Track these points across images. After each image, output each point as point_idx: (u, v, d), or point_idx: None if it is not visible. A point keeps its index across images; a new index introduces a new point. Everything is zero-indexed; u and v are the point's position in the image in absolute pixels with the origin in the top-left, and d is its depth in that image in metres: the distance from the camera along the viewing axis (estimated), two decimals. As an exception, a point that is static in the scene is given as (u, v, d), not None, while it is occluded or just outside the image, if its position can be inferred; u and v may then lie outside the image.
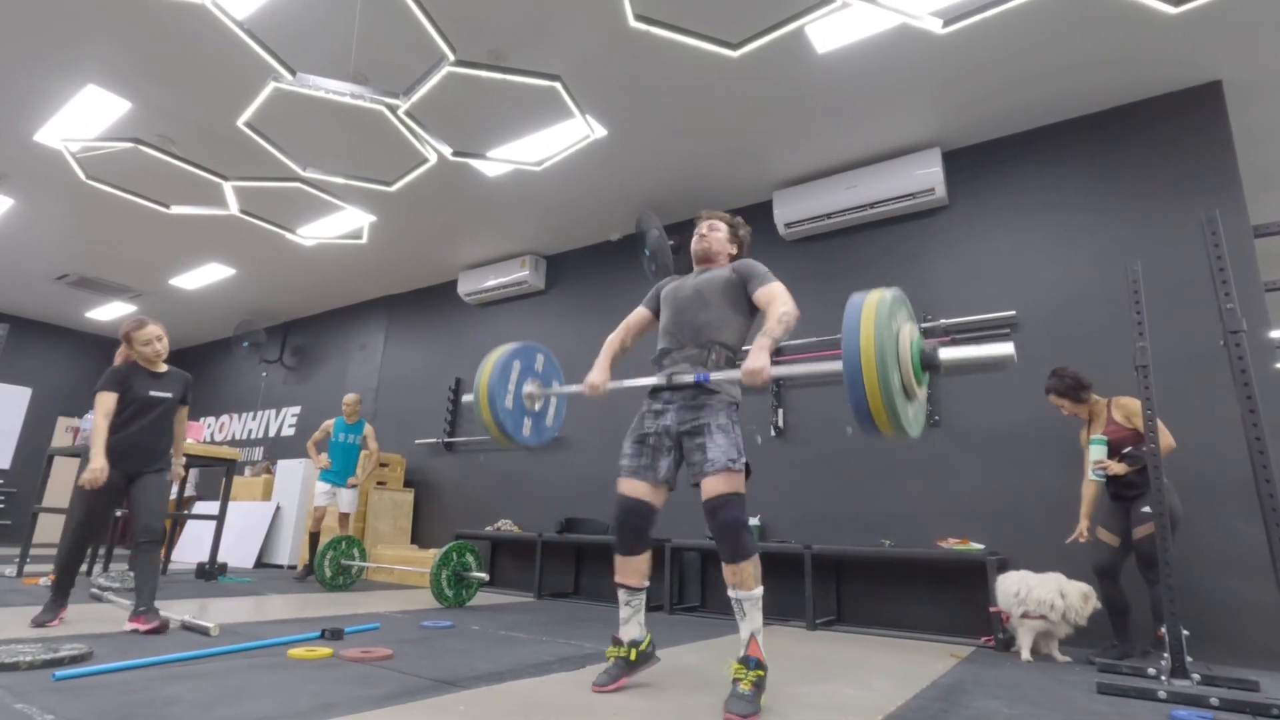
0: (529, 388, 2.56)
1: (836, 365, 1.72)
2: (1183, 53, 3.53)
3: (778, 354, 4.76)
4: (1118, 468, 3.12)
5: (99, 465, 2.86)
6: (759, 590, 2.05)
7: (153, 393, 3.10)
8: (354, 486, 5.52)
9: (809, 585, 3.86)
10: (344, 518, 5.49)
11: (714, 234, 2.47)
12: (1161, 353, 3.17)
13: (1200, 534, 3.22)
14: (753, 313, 2.34)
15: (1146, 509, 3.00)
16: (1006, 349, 1.71)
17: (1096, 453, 3.18)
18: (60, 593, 2.94)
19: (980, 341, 4.05)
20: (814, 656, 3.00)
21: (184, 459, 3.34)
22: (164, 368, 3.21)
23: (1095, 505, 3.26)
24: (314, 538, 5.45)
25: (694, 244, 2.49)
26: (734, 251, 2.51)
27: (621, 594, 2.25)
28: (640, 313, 2.53)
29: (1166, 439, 3.01)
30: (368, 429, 5.69)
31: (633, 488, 2.23)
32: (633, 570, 2.23)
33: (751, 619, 2.03)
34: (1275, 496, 2.22)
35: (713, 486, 2.08)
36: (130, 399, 3.05)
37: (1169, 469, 2.92)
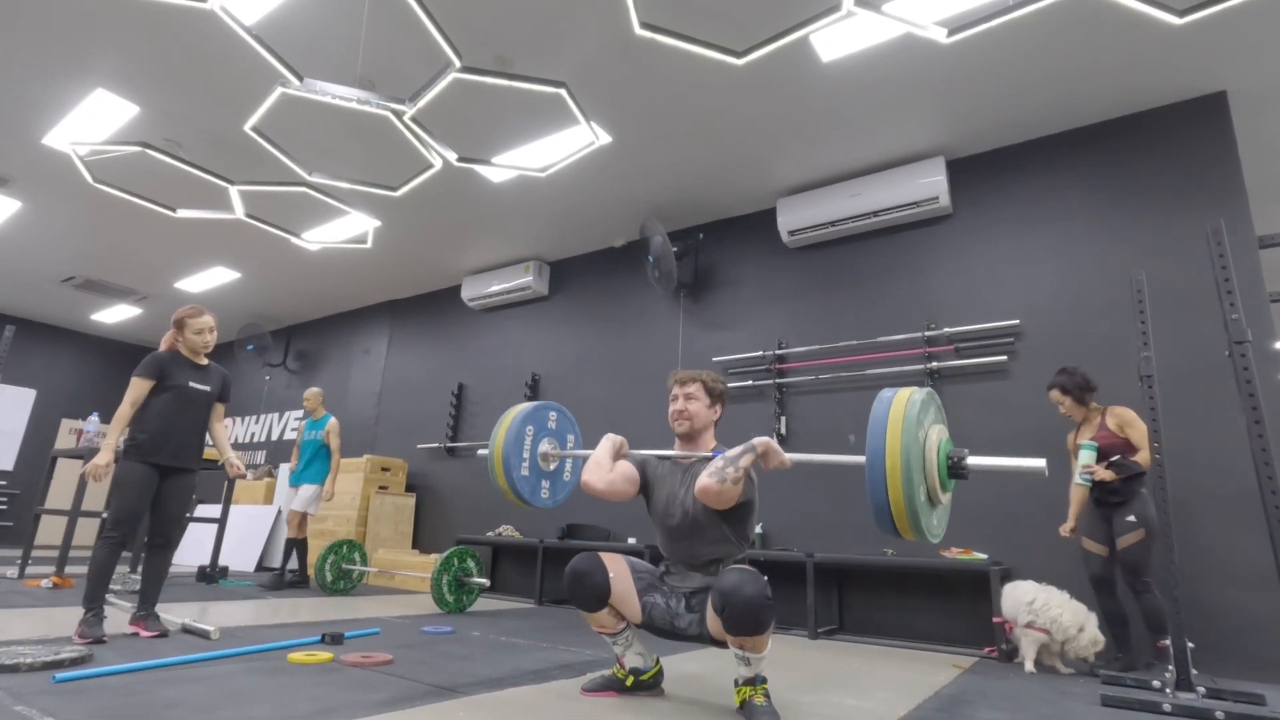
0: (544, 447, 2.51)
1: (860, 459, 1.65)
2: (1188, 63, 3.54)
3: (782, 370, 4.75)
4: (1104, 474, 3.10)
5: (104, 460, 2.81)
6: (770, 646, 1.93)
7: (193, 384, 3.02)
8: (328, 496, 5.14)
9: (811, 594, 3.84)
10: (295, 515, 5.14)
11: (691, 404, 2.21)
12: (1166, 363, 3.17)
13: (1205, 546, 3.20)
14: (750, 512, 2.13)
15: (1131, 518, 3.04)
16: (1039, 463, 1.62)
17: (1086, 457, 3.17)
18: (98, 602, 2.74)
19: (985, 352, 4.04)
20: (816, 666, 2.98)
21: (234, 455, 3.30)
22: (205, 361, 3.13)
23: (1081, 510, 3.27)
24: (291, 544, 5.12)
25: (671, 419, 2.24)
26: (715, 417, 2.27)
27: (604, 638, 2.20)
28: (630, 477, 2.24)
29: (1145, 457, 3.03)
30: (330, 424, 5.31)
31: (615, 565, 2.14)
32: (597, 623, 2.16)
33: (756, 667, 1.94)
34: (1281, 508, 2.21)
35: (732, 572, 1.92)
36: (169, 387, 2.95)
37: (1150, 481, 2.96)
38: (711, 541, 2.11)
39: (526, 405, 2.53)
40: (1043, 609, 3.00)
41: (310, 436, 5.30)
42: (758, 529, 4.43)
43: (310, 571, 5.15)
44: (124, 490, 2.82)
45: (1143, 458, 3.02)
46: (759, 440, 1.97)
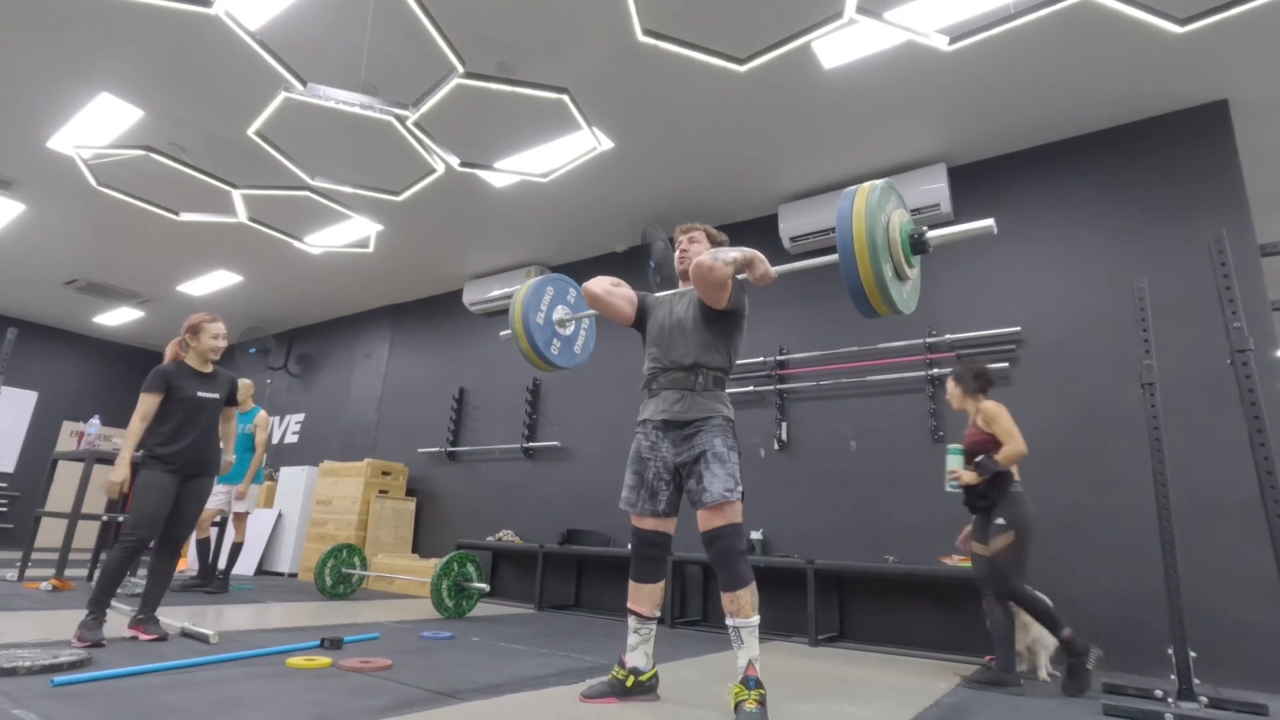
0: (560, 313, 2.72)
1: (833, 257, 1.89)
2: (1189, 72, 3.54)
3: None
4: (969, 477, 2.93)
5: (119, 477, 2.84)
6: (756, 619, 2.06)
7: (200, 393, 3.06)
8: (241, 494, 4.88)
9: (812, 601, 3.83)
10: (237, 519, 4.99)
11: (695, 246, 2.42)
12: (1168, 371, 3.16)
13: (1207, 555, 3.19)
14: (737, 329, 2.32)
15: (1000, 520, 2.88)
16: (986, 222, 1.89)
17: (952, 462, 3.02)
18: (103, 606, 2.74)
19: (987, 359, 4.04)
20: (816, 673, 2.97)
21: (234, 456, 3.38)
22: (211, 368, 3.17)
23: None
24: (202, 544, 4.87)
25: (677, 262, 2.45)
26: None
27: (631, 620, 2.25)
28: (629, 296, 2.48)
29: (1017, 444, 2.90)
30: (258, 417, 5.09)
31: (643, 521, 2.28)
32: (645, 598, 2.24)
33: (749, 647, 2.03)
34: (1283, 517, 2.20)
35: (709, 519, 2.13)
36: (179, 400, 2.99)
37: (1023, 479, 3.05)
38: (698, 344, 2.26)
39: (550, 274, 2.77)
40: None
41: (240, 430, 5.07)
42: (757, 535, 4.42)
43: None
44: (145, 496, 2.86)
45: (1004, 454, 2.88)
46: (750, 249, 2.15)
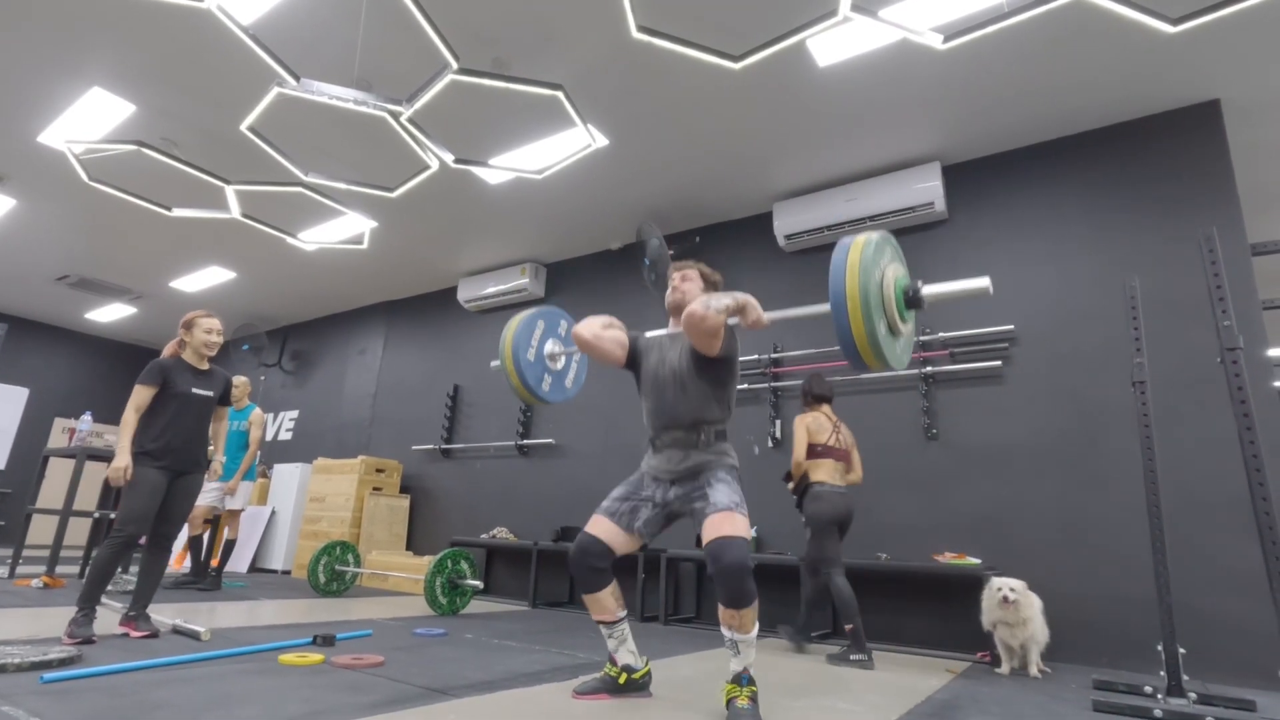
0: (551, 347, 2.66)
1: (825, 308, 1.84)
2: (1181, 71, 3.56)
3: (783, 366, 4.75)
4: (789, 485, 3.56)
5: (122, 464, 2.82)
6: (755, 630, 2.00)
7: (195, 390, 3.05)
8: (231, 490, 4.88)
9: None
10: (229, 516, 5.00)
11: (687, 284, 2.36)
12: (1159, 369, 3.18)
13: (1197, 552, 3.21)
14: (731, 376, 2.25)
15: (804, 518, 3.49)
16: (983, 281, 1.85)
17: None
18: (94, 602, 2.72)
19: (979, 356, 4.06)
20: (808, 670, 2.98)
21: (224, 457, 3.35)
22: (207, 365, 3.17)
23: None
24: (195, 542, 4.94)
25: (668, 297, 2.39)
26: None
27: (601, 629, 2.24)
28: (620, 340, 2.38)
29: (795, 455, 3.51)
30: (253, 414, 5.10)
31: (599, 526, 2.20)
32: (600, 607, 2.20)
33: (745, 656, 2.00)
34: (1272, 514, 2.22)
35: (716, 526, 1.99)
36: (172, 394, 2.98)
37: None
38: (695, 399, 2.19)
39: (541, 307, 2.70)
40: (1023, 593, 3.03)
41: (234, 428, 5.09)
42: (752, 531, 4.43)
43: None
44: (135, 492, 2.84)
45: (795, 460, 3.50)
46: (741, 293, 2.10)
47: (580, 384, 2.83)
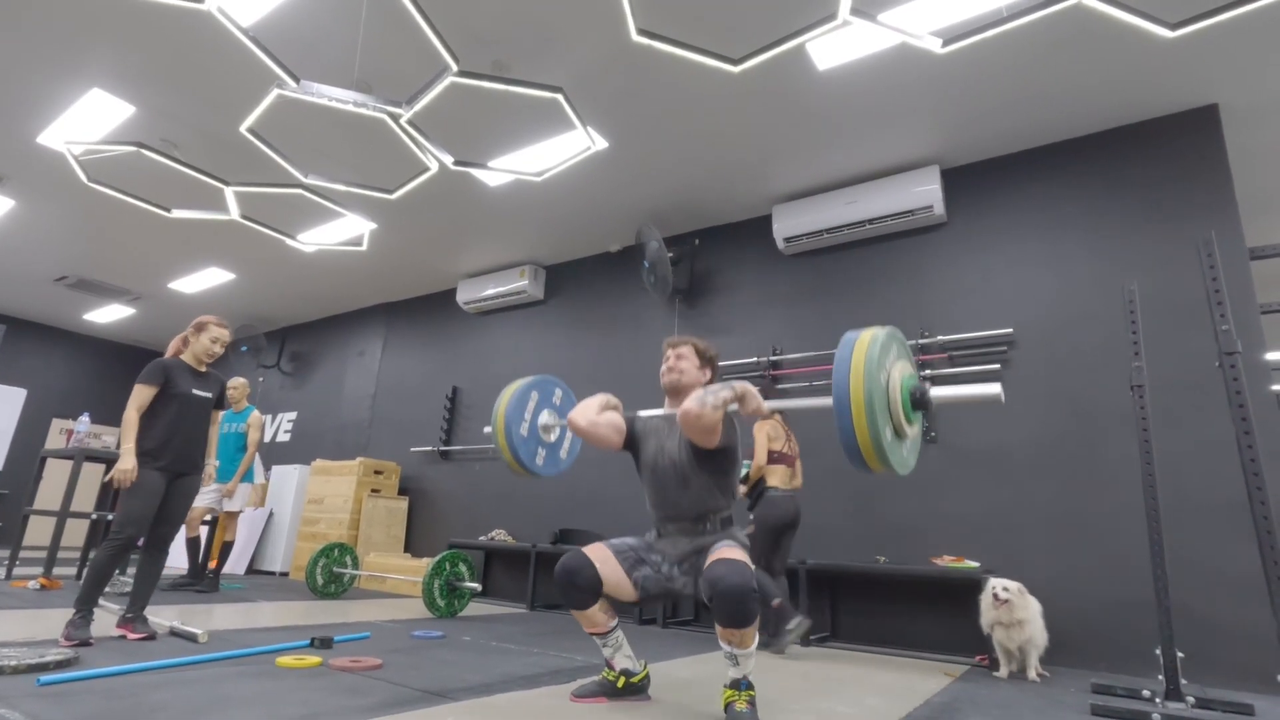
0: (544, 419, 2.58)
1: (828, 402, 1.73)
2: (1180, 76, 3.57)
3: (776, 377, 4.76)
4: (742, 488, 3.65)
5: (129, 466, 2.82)
6: (755, 643, 1.96)
7: (195, 391, 3.07)
8: (229, 492, 4.86)
9: (804, 601, 3.84)
10: (227, 518, 4.97)
11: (682, 363, 2.30)
12: (1157, 373, 3.18)
13: (1195, 556, 3.21)
14: (733, 464, 2.20)
15: (751, 516, 3.65)
16: (994, 389, 1.74)
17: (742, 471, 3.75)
18: (91, 604, 2.71)
19: (978, 360, 4.06)
20: (807, 673, 2.98)
21: (218, 462, 3.35)
22: (204, 369, 3.19)
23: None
24: (193, 543, 4.93)
25: (663, 377, 2.33)
26: (704, 379, 2.34)
27: (594, 639, 2.22)
28: (617, 425, 2.32)
29: (759, 455, 3.70)
30: (252, 417, 5.07)
31: (598, 553, 2.15)
32: (590, 621, 2.17)
33: (744, 666, 1.97)
34: (1270, 518, 2.22)
35: (719, 552, 1.97)
36: (173, 395, 2.98)
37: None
38: (698, 492, 2.16)
39: (536, 376, 2.63)
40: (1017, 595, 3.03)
41: (229, 430, 5.08)
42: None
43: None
44: (134, 494, 2.83)
45: (756, 464, 3.70)
46: (739, 382, 2.04)
47: (574, 455, 2.72)
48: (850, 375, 1.67)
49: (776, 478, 3.70)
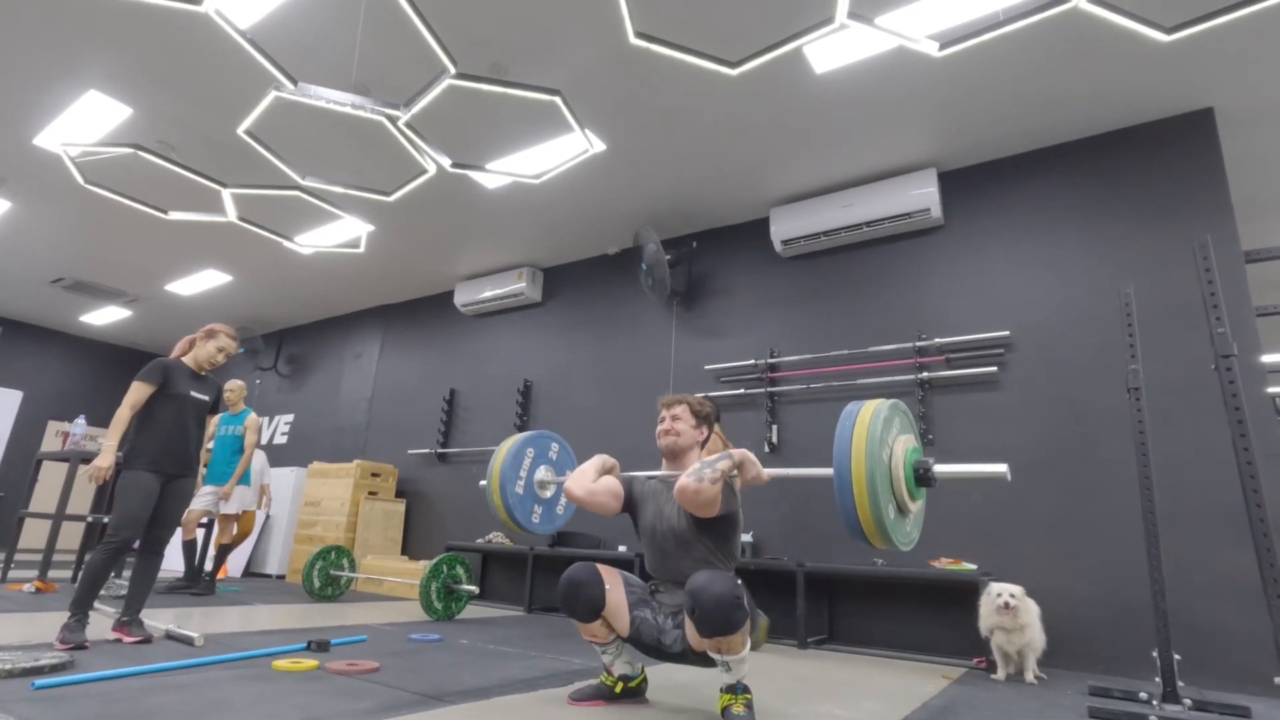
0: (541, 475, 2.57)
1: (829, 472, 1.70)
2: (1175, 79, 3.58)
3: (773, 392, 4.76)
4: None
5: (106, 464, 2.82)
6: (747, 648, 1.94)
7: (194, 393, 3.07)
8: (226, 495, 4.84)
9: (801, 604, 3.84)
10: (223, 520, 4.99)
11: (678, 424, 2.26)
12: (1153, 375, 3.19)
13: (1192, 558, 3.22)
14: (734, 530, 2.17)
15: None
16: (1000, 468, 1.70)
17: None
18: (86, 608, 2.70)
19: (975, 362, 4.07)
20: (804, 676, 2.98)
21: (204, 469, 3.35)
22: (203, 374, 3.20)
23: None
24: (189, 546, 4.89)
25: (659, 439, 2.29)
26: (701, 438, 2.30)
27: (594, 646, 2.21)
28: (615, 491, 2.27)
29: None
30: (249, 419, 5.05)
31: (611, 577, 2.15)
32: (590, 632, 2.16)
33: (737, 672, 1.95)
34: (1266, 521, 2.23)
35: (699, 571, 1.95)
36: (172, 395, 2.98)
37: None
38: (697, 559, 2.11)
39: (532, 432, 2.61)
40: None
41: (225, 432, 5.07)
42: (748, 538, 4.43)
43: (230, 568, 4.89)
44: (129, 497, 2.82)
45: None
46: (737, 451, 2.00)
47: (571, 510, 2.69)
48: (852, 452, 1.63)
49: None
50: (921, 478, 1.76)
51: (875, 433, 1.65)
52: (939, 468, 1.76)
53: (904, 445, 1.76)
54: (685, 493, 1.94)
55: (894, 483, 1.70)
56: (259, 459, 5.93)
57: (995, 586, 3.05)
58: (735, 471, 2.00)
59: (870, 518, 1.61)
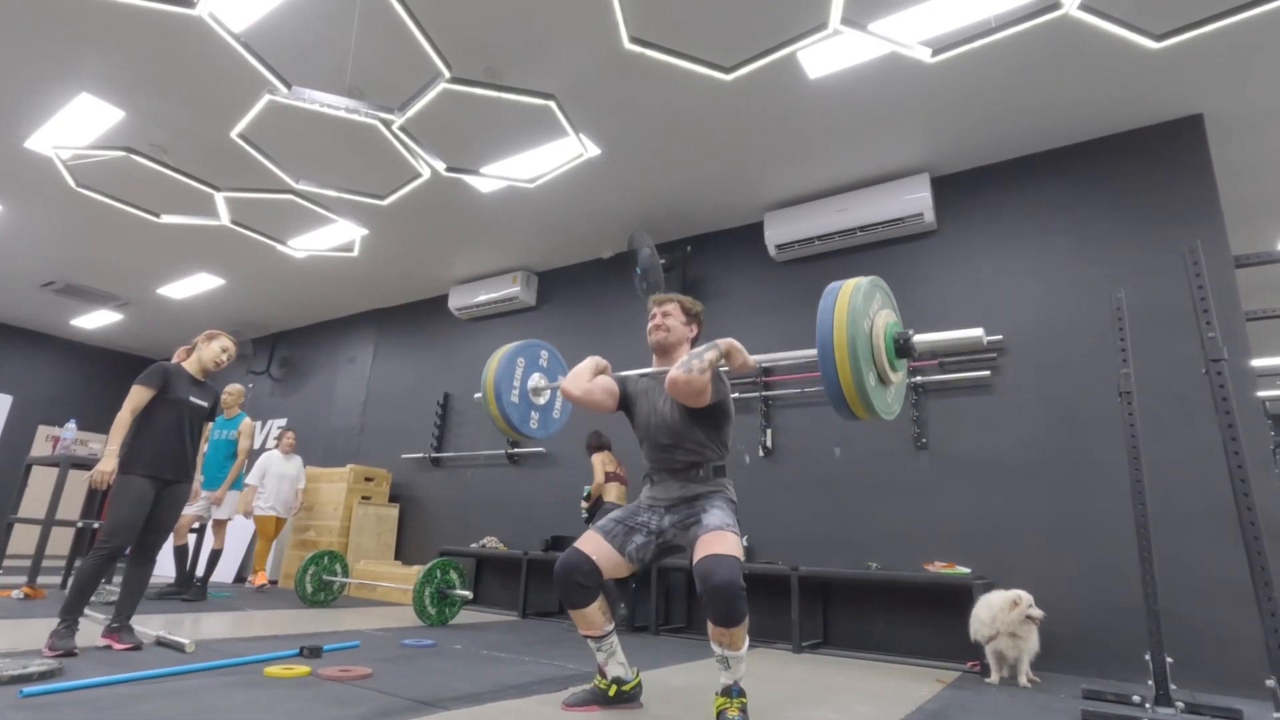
0: (534, 381, 2.63)
1: (813, 353, 1.78)
2: (1165, 86, 3.61)
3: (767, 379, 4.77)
4: (584, 504, 4.37)
5: (109, 468, 2.79)
6: (745, 646, 1.97)
7: (193, 399, 3.06)
8: (218, 500, 4.88)
9: (795, 607, 3.84)
10: (217, 525, 5.02)
11: (669, 320, 2.33)
12: (1145, 380, 3.21)
13: (1183, 561, 3.24)
14: (725, 418, 2.24)
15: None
16: (976, 331, 1.83)
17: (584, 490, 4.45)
18: (76, 614, 2.68)
19: (968, 366, 4.09)
20: (799, 680, 2.98)
21: (201, 476, 3.35)
22: (204, 378, 3.19)
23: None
24: (180, 551, 4.84)
25: (650, 335, 2.35)
26: (693, 334, 2.38)
27: (589, 643, 2.22)
28: (610, 388, 2.34)
29: (598, 477, 4.33)
30: (243, 424, 5.07)
31: (590, 543, 2.18)
32: (587, 622, 2.17)
33: (735, 671, 1.98)
34: (1257, 524, 2.24)
35: (707, 544, 1.97)
36: (171, 400, 2.96)
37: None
38: (691, 446, 2.20)
39: (520, 342, 2.66)
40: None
41: (219, 437, 5.06)
42: (743, 541, 4.42)
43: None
44: (123, 502, 2.80)
45: (596, 483, 4.33)
46: (723, 340, 2.08)
47: (568, 412, 2.77)
48: (834, 323, 1.71)
49: (613, 494, 4.32)
50: (902, 348, 1.83)
51: (856, 304, 1.73)
52: (919, 337, 1.85)
53: (884, 319, 1.84)
54: (676, 384, 2.03)
55: (875, 352, 1.77)
56: (294, 466, 5.96)
57: (1012, 594, 3.03)
58: (723, 361, 2.07)
59: (851, 383, 1.69)
